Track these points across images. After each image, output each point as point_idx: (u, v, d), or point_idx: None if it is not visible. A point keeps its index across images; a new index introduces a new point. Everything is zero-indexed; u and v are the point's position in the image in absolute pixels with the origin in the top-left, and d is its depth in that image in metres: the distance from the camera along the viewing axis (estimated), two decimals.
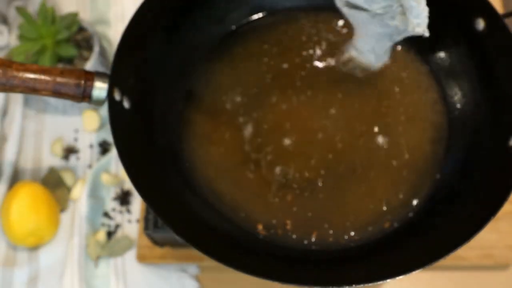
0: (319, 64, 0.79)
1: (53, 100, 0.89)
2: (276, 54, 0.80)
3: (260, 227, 0.70)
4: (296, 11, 0.82)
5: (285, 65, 0.79)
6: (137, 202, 0.86)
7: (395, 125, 0.75)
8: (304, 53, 0.79)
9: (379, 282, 0.64)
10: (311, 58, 0.79)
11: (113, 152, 0.88)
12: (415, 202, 0.71)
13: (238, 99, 0.77)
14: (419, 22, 0.66)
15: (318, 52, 0.80)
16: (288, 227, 0.70)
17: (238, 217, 0.71)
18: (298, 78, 0.78)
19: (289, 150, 0.74)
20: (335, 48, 0.79)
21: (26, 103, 0.93)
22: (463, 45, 0.75)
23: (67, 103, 0.88)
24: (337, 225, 0.70)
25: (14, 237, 0.80)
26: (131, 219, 0.85)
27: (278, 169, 0.73)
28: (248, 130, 0.75)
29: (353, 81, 0.74)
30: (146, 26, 0.72)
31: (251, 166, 0.73)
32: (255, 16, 0.83)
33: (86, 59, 0.87)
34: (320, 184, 0.72)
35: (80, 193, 0.86)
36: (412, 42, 0.80)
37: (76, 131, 0.91)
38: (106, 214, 0.85)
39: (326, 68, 0.78)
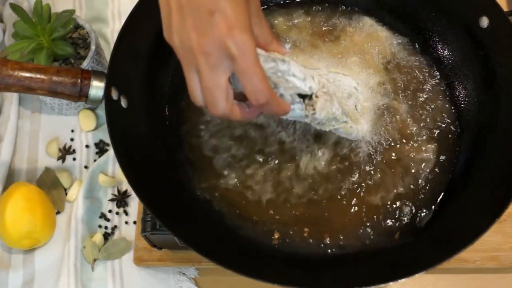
0: None
1: (49, 100, 0.88)
2: None
3: (276, 235, 0.69)
4: None
5: None
6: (134, 204, 0.85)
7: (398, 127, 0.74)
8: None
9: (381, 285, 0.63)
10: None
11: (110, 152, 0.87)
12: (417, 204, 0.71)
13: None
14: (354, 137, 0.71)
15: None
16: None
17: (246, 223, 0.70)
18: None
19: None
20: None
21: (21, 102, 0.92)
22: (467, 43, 0.75)
23: (63, 102, 0.88)
24: (337, 231, 0.69)
25: (9, 239, 0.79)
26: (129, 220, 0.84)
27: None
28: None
29: None
30: (143, 24, 0.72)
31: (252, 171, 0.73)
32: None
33: (82, 57, 0.86)
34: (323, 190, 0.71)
35: (76, 194, 0.85)
36: (417, 40, 0.80)
37: (73, 131, 0.90)
38: (103, 216, 0.84)
39: None
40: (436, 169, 0.72)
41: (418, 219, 0.69)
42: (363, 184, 0.70)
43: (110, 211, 0.84)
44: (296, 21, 0.82)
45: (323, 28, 0.81)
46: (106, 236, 0.82)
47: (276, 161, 0.72)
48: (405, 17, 0.80)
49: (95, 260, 0.80)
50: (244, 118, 0.56)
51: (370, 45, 0.79)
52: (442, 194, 0.71)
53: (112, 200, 0.85)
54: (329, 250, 0.68)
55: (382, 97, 0.75)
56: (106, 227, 0.83)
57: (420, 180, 0.71)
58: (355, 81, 0.74)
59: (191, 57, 0.52)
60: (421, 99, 0.76)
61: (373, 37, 0.80)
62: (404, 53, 0.79)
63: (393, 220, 0.69)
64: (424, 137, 0.73)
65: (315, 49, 0.79)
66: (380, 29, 0.81)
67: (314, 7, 0.83)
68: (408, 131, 0.74)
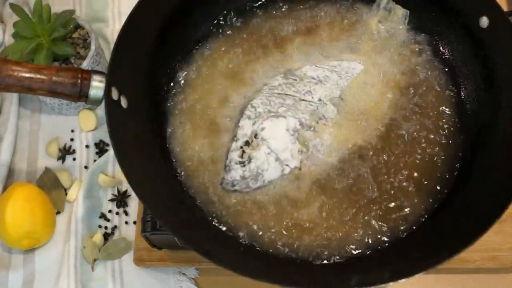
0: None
1: (49, 100, 0.88)
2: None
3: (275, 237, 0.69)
4: None
5: None
6: (134, 204, 0.85)
7: (398, 126, 0.74)
8: None
9: (381, 286, 0.63)
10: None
11: (110, 153, 0.87)
12: (416, 204, 0.70)
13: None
14: None
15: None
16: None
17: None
18: None
19: None
20: None
21: (21, 102, 0.92)
22: (467, 43, 0.75)
23: (63, 102, 0.88)
24: (337, 233, 0.69)
25: (9, 239, 0.79)
26: (129, 220, 0.84)
27: None
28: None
29: None
30: (143, 24, 0.72)
31: None
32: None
33: (82, 57, 0.86)
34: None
35: (76, 194, 0.84)
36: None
37: (73, 131, 0.90)
38: (103, 216, 0.84)
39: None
40: (436, 169, 0.72)
41: (417, 219, 0.69)
42: (361, 186, 0.70)
43: (110, 211, 0.84)
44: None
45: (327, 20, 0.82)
46: (106, 236, 0.82)
47: None
48: None
49: (95, 260, 0.80)
50: None
51: (363, 29, 0.80)
52: (442, 194, 0.70)
53: (112, 200, 0.85)
54: (327, 252, 0.67)
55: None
56: (106, 227, 0.83)
57: (419, 181, 0.71)
58: (361, 65, 0.77)
59: None
60: (420, 99, 0.76)
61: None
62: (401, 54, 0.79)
63: (393, 221, 0.69)
64: (424, 137, 0.73)
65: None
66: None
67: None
68: (407, 130, 0.73)
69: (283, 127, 0.70)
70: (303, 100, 0.72)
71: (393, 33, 0.79)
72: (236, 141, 0.71)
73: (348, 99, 0.74)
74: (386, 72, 0.77)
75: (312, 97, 0.73)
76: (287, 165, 0.69)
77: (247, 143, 0.69)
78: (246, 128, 0.71)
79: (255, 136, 0.70)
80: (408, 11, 0.79)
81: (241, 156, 0.69)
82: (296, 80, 0.74)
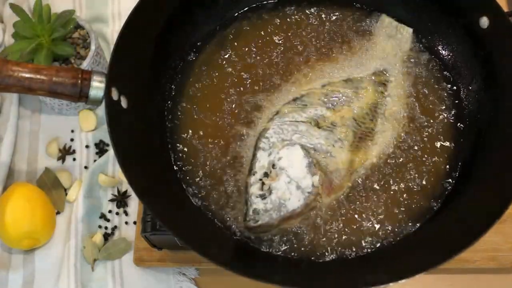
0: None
1: (49, 100, 0.88)
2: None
3: (276, 237, 0.69)
4: None
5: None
6: (134, 204, 0.85)
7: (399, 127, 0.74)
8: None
9: (382, 286, 0.63)
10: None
11: (110, 153, 0.87)
12: (417, 205, 0.70)
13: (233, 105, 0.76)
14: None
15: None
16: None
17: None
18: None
19: None
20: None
21: (21, 102, 0.92)
22: (467, 43, 0.75)
23: (63, 102, 0.88)
24: (338, 235, 0.69)
25: (9, 239, 0.79)
26: (129, 221, 0.84)
27: None
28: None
29: None
30: (143, 25, 0.72)
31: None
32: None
33: (82, 57, 0.86)
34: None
35: (76, 195, 0.84)
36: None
37: (73, 131, 0.90)
38: (103, 216, 0.84)
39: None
40: (436, 169, 0.72)
41: (418, 220, 0.69)
42: (369, 193, 0.71)
43: (110, 211, 0.84)
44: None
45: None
46: (106, 236, 0.82)
47: None
48: (406, 19, 0.80)
49: (95, 260, 0.80)
50: None
51: (369, 45, 0.80)
52: (443, 194, 0.70)
53: (112, 200, 0.85)
54: (329, 253, 0.67)
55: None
56: (106, 227, 0.83)
57: (420, 181, 0.71)
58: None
59: None
60: (421, 99, 0.76)
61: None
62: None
63: (393, 221, 0.69)
64: (424, 137, 0.73)
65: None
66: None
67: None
68: (408, 131, 0.73)
69: (300, 154, 0.68)
70: (316, 125, 0.71)
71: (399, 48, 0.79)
72: (254, 174, 0.69)
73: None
74: (395, 87, 0.77)
75: (325, 121, 0.71)
76: (309, 192, 0.67)
77: (265, 175, 0.68)
78: (262, 160, 0.69)
79: (273, 166, 0.68)
80: (412, 29, 0.79)
81: (261, 189, 0.67)
82: (306, 105, 0.73)
